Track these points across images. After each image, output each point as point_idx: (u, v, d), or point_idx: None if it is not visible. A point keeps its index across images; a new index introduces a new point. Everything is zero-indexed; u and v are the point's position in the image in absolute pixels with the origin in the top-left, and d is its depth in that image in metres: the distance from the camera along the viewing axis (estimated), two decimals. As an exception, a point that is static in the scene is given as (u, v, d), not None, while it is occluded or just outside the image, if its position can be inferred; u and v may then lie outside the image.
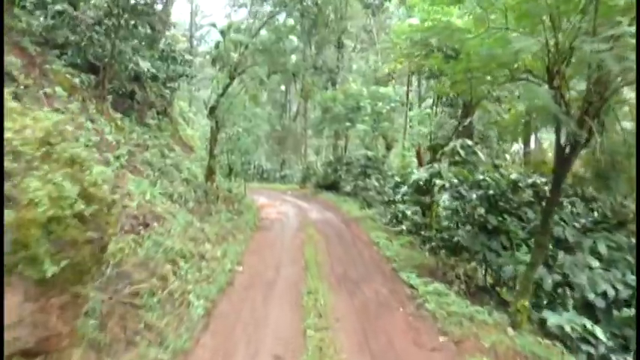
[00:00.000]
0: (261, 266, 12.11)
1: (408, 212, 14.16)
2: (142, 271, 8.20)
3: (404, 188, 13.33)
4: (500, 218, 9.84)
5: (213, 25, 20.90)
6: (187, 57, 24.47)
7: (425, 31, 10.05)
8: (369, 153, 22.84)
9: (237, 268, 11.78)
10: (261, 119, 21.19)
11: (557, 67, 7.66)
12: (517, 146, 25.21)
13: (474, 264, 9.46)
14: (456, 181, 9.92)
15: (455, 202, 9.80)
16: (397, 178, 16.08)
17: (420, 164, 14.31)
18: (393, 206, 15.48)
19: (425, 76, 17.97)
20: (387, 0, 34.12)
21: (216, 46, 19.71)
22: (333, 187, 27.82)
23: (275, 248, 14.23)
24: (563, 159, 7.71)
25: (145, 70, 18.44)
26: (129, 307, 7.30)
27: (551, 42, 7.41)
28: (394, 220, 14.92)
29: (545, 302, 8.67)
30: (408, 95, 21.64)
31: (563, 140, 7.68)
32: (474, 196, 9.79)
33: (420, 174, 10.95)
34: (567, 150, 7.65)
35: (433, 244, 11.07)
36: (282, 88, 49.40)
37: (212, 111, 17.49)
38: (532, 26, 7.54)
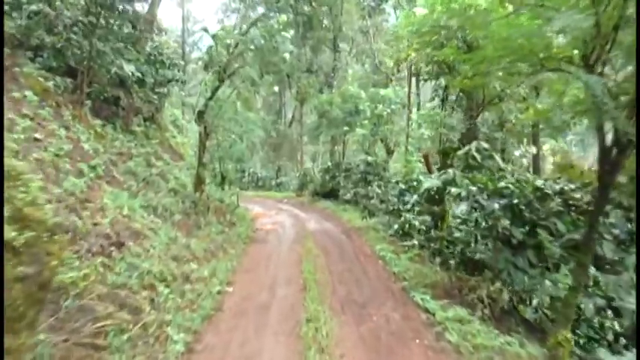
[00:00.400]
0: (254, 286, 10.80)
1: (416, 222, 12.89)
2: (109, 303, 6.89)
3: (413, 197, 12.07)
4: (526, 231, 8.58)
5: (205, 30, 19.63)
6: (177, 61, 23.30)
7: (443, 14, 8.82)
8: (370, 158, 21.59)
9: (227, 289, 10.47)
10: (254, 124, 19.91)
11: (597, 52, 6.46)
12: (518, 152, 24.15)
13: (498, 285, 8.16)
14: (474, 189, 8.64)
15: (475, 214, 8.54)
16: (402, 185, 14.82)
17: (429, 170, 13.08)
18: (399, 216, 14.21)
19: (432, 74, 16.73)
20: (383, 0, 33.11)
21: (208, 51, 18.54)
22: (331, 194, 26.55)
23: (270, 264, 12.92)
24: (609, 163, 6.47)
25: (130, 73, 17.21)
26: (90, 349, 6.00)
27: (591, 22, 6.19)
28: (400, 232, 13.65)
29: (585, 331, 7.40)
30: (409, 96, 20.43)
31: (608, 140, 6.45)
32: (496, 206, 8.52)
33: (432, 181, 9.68)
34: (614, 152, 6.42)
35: (451, 262, 9.76)
36: (277, 90, 48.22)
37: (200, 116, 16.22)
38: (566, 2, 6.32)
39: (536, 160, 23.50)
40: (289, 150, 45.47)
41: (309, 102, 29.21)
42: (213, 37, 17.96)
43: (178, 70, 23.13)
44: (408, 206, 13.07)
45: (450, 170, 9.70)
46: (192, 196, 16.29)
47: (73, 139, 12.17)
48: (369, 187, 18.41)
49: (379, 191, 17.02)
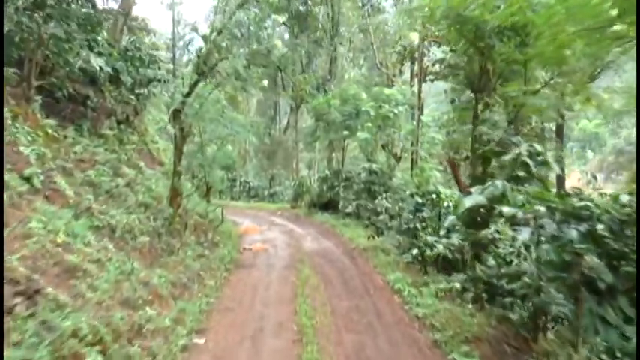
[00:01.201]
0: (233, 335, 8.13)
1: (439, 246, 10.27)
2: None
3: (449, 219, 9.45)
4: (614, 268, 6.00)
5: (195, 30, 16.99)
6: (159, 58, 20.81)
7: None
8: (374, 166, 18.95)
9: (197, 340, 7.79)
10: (242, 127, 17.28)
11: None
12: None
13: (585, 352, 5.56)
14: (541, 209, 6.05)
15: (545, 245, 5.98)
16: (418, 199, 12.22)
17: (457, 181, 10.51)
18: (415, 235, 11.60)
19: (452, 66, 14.22)
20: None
21: (198, 52, 16.03)
22: (329, 206, 23.88)
23: (256, 299, 10.25)
24: None
25: (97, 67, 14.70)
26: None
27: None
28: (419, 258, 11.02)
29: None
30: (420, 94, 17.88)
31: None
32: (574, 233, 5.93)
33: (474, 198, 7.09)
34: None
35: (511, 314, 7.10)
36: (270, 93, 45.78)
37: (175, 115, 13.60)
38: None
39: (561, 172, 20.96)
40: (284, 157, 42.89)
41: (305, 102, 26.70)
42: (204, 37, 15.40)
43: (160, 69, 20.65)
44: (442, 231, 10.43)
45: (498, 182, 7.10)
46: (166, 211, 13.65)
47: (9, 142, 9.59)
48: (376, 200, 15.79)
49: (389, 205, 14.39)
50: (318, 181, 26.58)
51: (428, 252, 10.61)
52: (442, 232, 9.47)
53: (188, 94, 13.71)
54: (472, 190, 7.50)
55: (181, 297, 9.42)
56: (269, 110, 51.17)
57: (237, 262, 13.56)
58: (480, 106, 11.39)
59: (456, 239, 10.15)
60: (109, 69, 16.09)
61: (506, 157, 7.82)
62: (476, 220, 7.81)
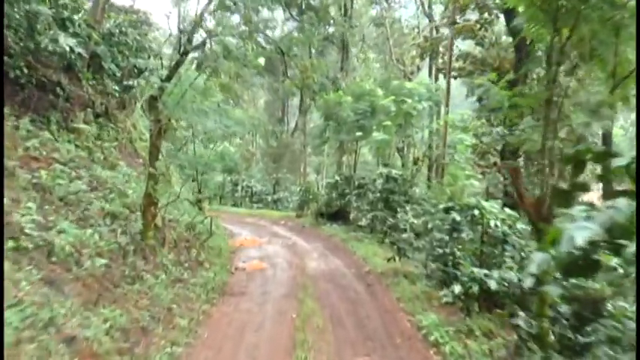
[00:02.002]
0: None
1: (492, 282, 7.50)
2: None
3: (537, 259, 6.76)
4: None
5: (198, 24, 14.44)
6: (150, 45, 18.42)
7: None
8: (393, 172, 16.13)
9: None
10: (237, 122, 14.58)
11: None
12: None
13: None
14: None
15: None
16: (456, 215, 9.43)
17: (520, 195, 7.72)
18: (453, 264, 8.86)
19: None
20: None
21: (202, 46, 13.45)
22: (339, 216, 21.12)
23: (240, 352, 7.52)
24: None
25: (66, 48, 12.25)
26: None
27: None
28: (462, 296, 8.23)
29: None
30: (449, 88, 15.07)
31: None
32: None
33: (586, 229, 4.40)
34: None
35: None
36: (279, 92, 43.31)
37: (152, 104, 10.93)
38: None
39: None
40: (291, 161, 40.24)
41: (313, 93, 23.91)
42: (208, 32, 12.81)
43: (149, 57, 18.16)
44: (528, 280, 7.60)
45: (622, 201, 4.34)
46: (138, 223, 11.03)
47: None
48: (398, 214, 13.05)
49: (414, 221, 11.59)
50: (326, 188, 23.81)
51: (474, 289, 7.84)
52: (528, 281, 6.69)
53: (168, 78, 11.05)
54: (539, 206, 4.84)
55: (133, 351, 6.71)
56: (277, 112, 48.75)
57: (224, 289, 10.82)
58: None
59: (513, 274, 7.39)
60: (81, 50, 13.58)
61: (618, 161, 5.07)
62: (576, 264, 5.06)
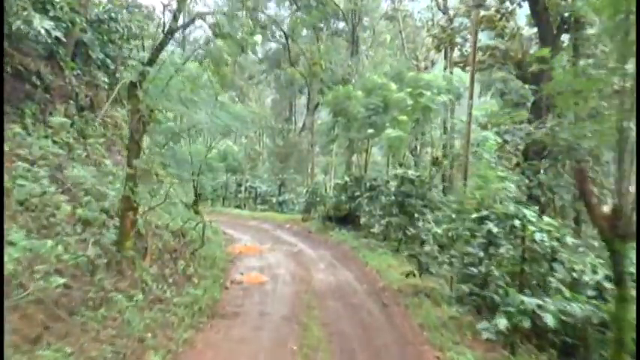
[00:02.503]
0: None
1: (548, 316, 5.81)
2: None
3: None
4: None
5: (201, 18, 12.78)
6: (139, 31, 17.01)
7: None
8: (410, 172, 14.36)
9: None
10: (237, 117, 12.91)
11: None
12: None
13: None
14: None
15: None
16: (492, 226, 7.71)
17: (588, 204, 5.96)
18: (494, 289, 7.17)
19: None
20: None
21: (206, 43, 11.87)
22: (348, 220, 19.41)
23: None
24: None
25: (41, 30, 10.78)
26: None
27: None
28: (507, 330, 6.49)
29: None
30: (472, 78, 13.32)
31: None
32: None
33: None
34: None
35: None
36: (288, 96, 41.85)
37: (131, 91, 9.32)
38: None
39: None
40: (298, 161, 38.54)
41: (321, 83, 22.30)
42: (212, 27, 11.18)
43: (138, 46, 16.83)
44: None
45: None
46: (115, 231, 9.47)
47: None
48: (419, 222, 11.35)
49: (438, 230, 9.85)
50: (335, 189, 22.10)
51: (524, 324, 6.14)
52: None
53: (150, 62, 9.43)
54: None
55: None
56: (284, 111, 47.26)
57: (214, 309, 9.16)
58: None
59: (577, 306, 5.69)
60: (59, 34, 12.11)
61: None
62: None
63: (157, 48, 9.41)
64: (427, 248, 9.93)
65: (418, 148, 21.08)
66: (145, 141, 10.89)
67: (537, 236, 7.51)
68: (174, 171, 11.88)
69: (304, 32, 25.59)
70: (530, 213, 7.94)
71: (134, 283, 8.72)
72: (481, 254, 7.86)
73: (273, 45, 39.95)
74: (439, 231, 9.75)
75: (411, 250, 11.37)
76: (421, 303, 9.22)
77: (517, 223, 7.80)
